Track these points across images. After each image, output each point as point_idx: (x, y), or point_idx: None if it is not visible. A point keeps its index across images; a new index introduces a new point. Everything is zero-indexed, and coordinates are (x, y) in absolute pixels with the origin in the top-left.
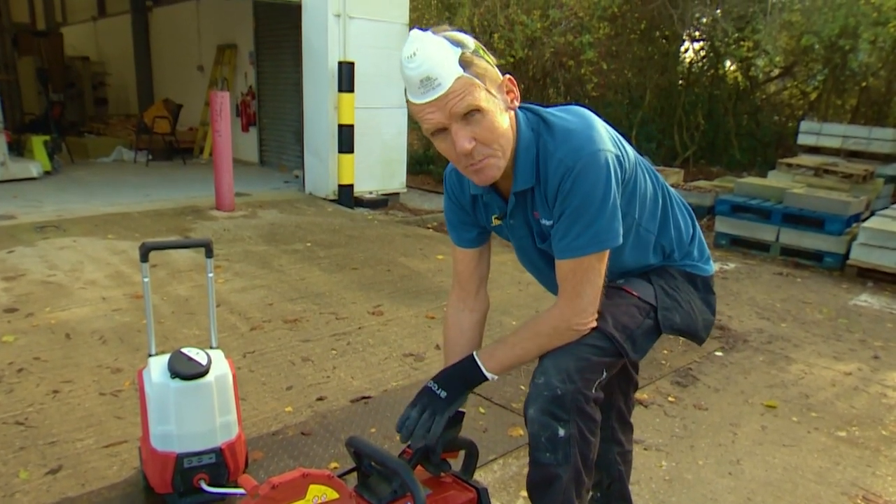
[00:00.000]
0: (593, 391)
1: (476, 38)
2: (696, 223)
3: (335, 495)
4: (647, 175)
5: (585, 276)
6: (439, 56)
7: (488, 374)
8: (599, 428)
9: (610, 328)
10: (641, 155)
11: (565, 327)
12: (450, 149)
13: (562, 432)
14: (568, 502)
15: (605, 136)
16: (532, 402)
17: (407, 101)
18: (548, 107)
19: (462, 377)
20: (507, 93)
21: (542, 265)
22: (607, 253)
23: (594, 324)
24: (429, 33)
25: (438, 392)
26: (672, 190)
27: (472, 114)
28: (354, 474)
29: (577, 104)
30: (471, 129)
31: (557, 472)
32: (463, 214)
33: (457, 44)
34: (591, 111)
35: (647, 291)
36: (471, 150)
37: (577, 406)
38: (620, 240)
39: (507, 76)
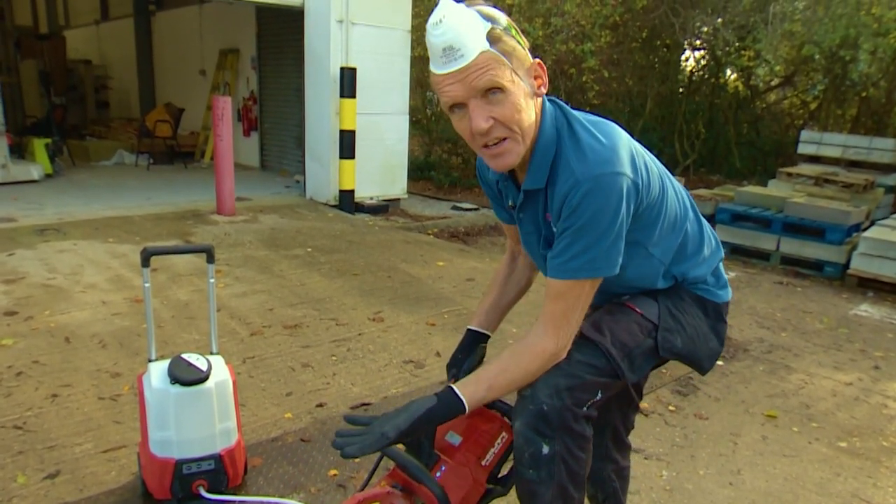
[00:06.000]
0: (584, 409)
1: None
2: (721, 249)
3: None
4: (675, 202)
5: (577, 303)
6: (466, 26)
7: (464, 402)
8: (592, 444)
9: (608, 344)
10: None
11: (554, 357)
12: (466, 127)
13: (546, 450)
14: None
15: (627, 159)
16: (518, 415)
17: (431, 71)
18: (576, 109)
19: (444, 415)
20: (535, 77)
21: (545, 267)
22: (599, 281)
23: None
24: (460, 4)
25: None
26: (702, 218)
27: (494, 92)
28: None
29: (606, 118)
30: (490, 108)
31: (539, 490)
32: (493, 194)
33: (488, 18)
34: (622, 128)
35: (650, 310)
36: (487, 130)
37: (563, 424)
38: (617, 270)
39: (538, 60)
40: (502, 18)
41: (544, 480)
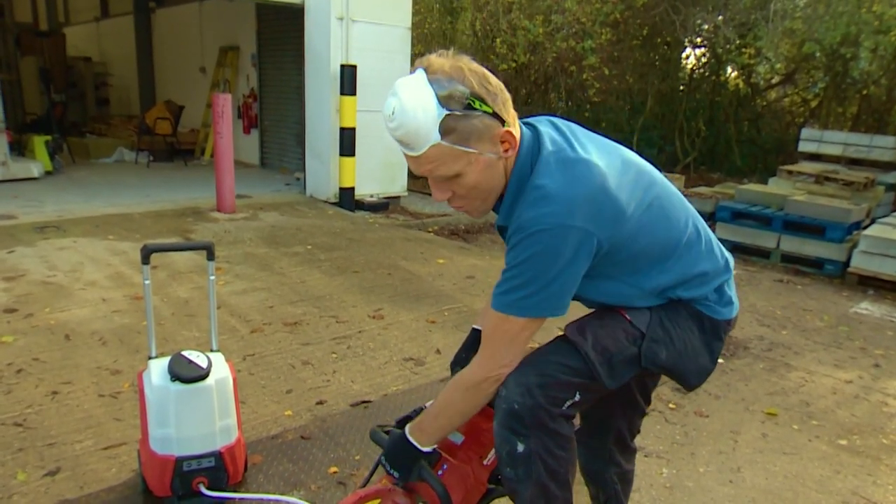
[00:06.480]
0: (562, 408)
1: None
2: (730, 269)
3: (376, 502)
4: (662, 236)
5: (506, 337)
6: (416, 122)
7: (424, 450)
8: (574, 444)
9: (587, 347)
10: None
11: (475, 386)
12: None
13: (521, 448)
14: None
15: (585, 208)
16: (496, 415)
17: None
18: (575, 122)
19: (404, 456)
20: (502, 142)
21: None
22: (538, 321)
23: (507, 373)
24: (417, 83)
25: (392, 472)
26: (708, 237)
27: (448, 177)
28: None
29: (604, 135)
30: (448, 184)
31: (518, 489)
32: None
33: (445, 102)
34: (624, 146)
35: (641, 318)
36: (445, 199)
37: (537, 422)
38: (559, 314)
39: (505, 129)
40: (464, 93)
41: (522, 479)
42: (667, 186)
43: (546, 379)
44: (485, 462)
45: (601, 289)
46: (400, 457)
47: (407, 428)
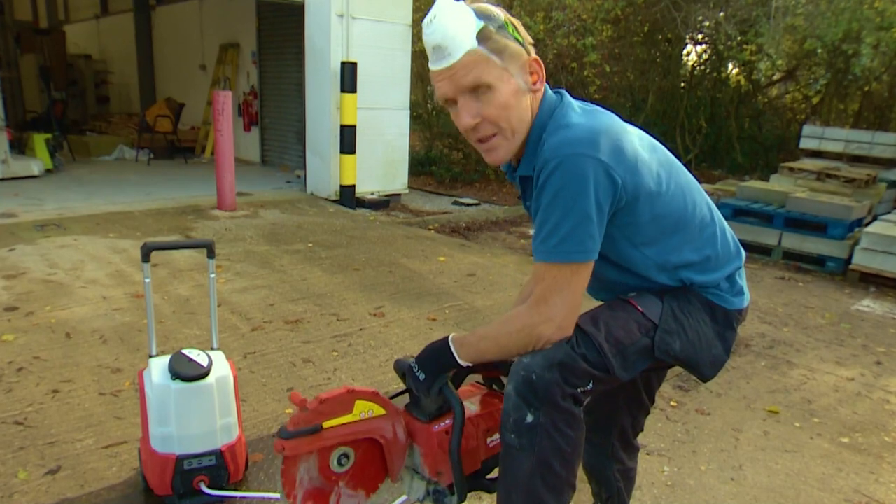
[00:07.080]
0: (576, 390)
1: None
2: (741, 256)
3: (382, 411)
4: (678, 203)
5: (555, 285)
6: (455, 26)
7: (461, 362)
8: (582, 423)
9: (601, 339)
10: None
11: (528, 331)
12: (459, 122)
13: (530, 418)
14: (532, 492)
15: (607, 145)
16: (511, 378)
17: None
18: (588, 102)
19: (438, 360)
20: (531, 73)
21: None
22: (583, 267)
23: (558, 337)
24: (457, 2)
25: (418, 374)
26: (722, 223)
27: (481, 89)
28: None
29: (611, 111)
30: (477, 105)
31: (518, 457)
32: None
33: (482, 16)
34: (628, 121)
35: (653, 309)
36: (473, 126)
37: (549, 397)
38: (593, 256)
39: (533, 57)
40: (499, 16)
41: (525, 448)
42: (684, 169)
43: (571, 361)
44: (489, 441)
45: (617, 253)
46: (433, 359)
47: (451, 336)
